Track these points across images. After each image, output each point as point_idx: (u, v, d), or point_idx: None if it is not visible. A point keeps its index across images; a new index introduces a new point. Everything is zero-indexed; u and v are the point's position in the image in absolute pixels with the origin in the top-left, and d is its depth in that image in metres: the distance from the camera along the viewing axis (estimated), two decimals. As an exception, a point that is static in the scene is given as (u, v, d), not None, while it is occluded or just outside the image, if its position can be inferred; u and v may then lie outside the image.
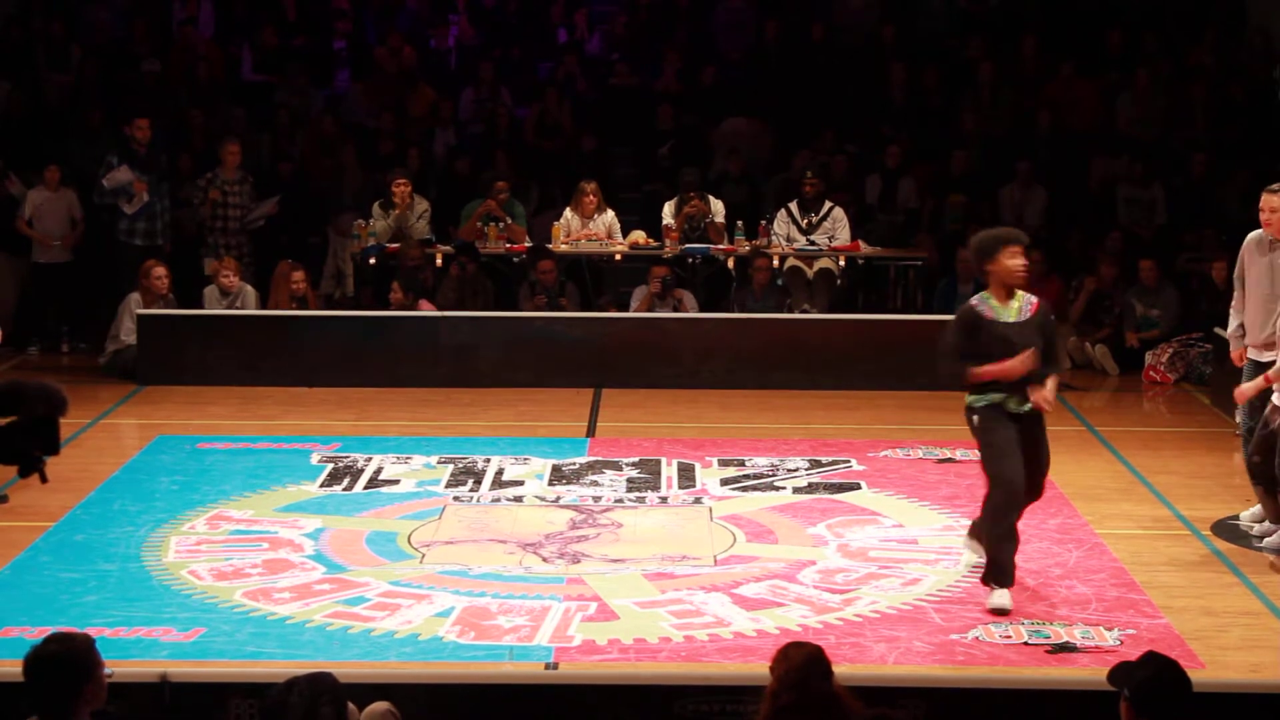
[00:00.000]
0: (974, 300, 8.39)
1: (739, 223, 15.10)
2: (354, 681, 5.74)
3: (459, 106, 17.21)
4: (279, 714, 5.30)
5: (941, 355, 8.38)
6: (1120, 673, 5.37)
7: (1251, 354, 9.58)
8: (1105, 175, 16.19)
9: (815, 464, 11.01)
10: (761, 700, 5.45)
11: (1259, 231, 9.54)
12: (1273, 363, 9.23)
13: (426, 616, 8.00)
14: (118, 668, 7.04)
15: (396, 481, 10.53)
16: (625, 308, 14.65)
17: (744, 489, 10.42)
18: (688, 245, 14.99)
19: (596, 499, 10.18)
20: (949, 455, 11.18)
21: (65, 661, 5.13)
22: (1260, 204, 9.52)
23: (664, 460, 11.07)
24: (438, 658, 7.49)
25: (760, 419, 12.47)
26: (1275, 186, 9.45)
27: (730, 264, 15.10)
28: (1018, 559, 8.45)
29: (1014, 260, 8.27)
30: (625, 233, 15.30)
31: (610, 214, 15.33)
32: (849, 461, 11.07)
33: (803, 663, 5.39)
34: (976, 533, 8.58)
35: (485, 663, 7.43)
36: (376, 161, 16.17)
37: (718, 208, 15.25)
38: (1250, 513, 9.61)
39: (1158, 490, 10.47)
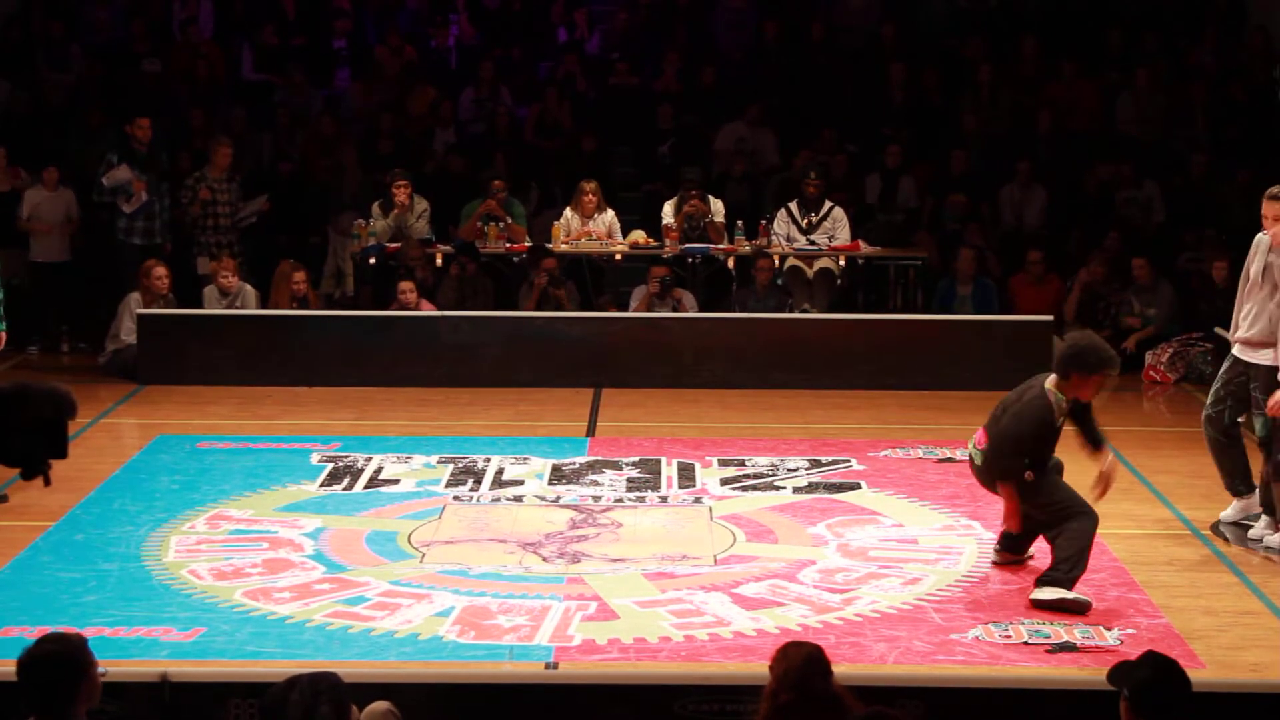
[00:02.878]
0: (1053, 402, 8.31)
1: (739, 223, 15.10)
2: (354, 681, 5.73)
3: (459, 106, 17.21)
4: (279, 711, 5.30)
5: (1011, 454, 8.35)
6: (1120, 672, 5.37)
7: (1238, 350, 9.49)
8: (1101, 176, 16.18)
9: (815, 464, 11.00)
10: (761, 700, 5.45)
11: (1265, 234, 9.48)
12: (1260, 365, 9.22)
13: (426, 616, 8.00)
14: (118, 667, 7.05)
15: (396, 481, 10.53)
16: (625, 308, 14.65)
17: (744, 489, 10.42)
18: (688, 245, 14.99)
19: (596, 499, 10.17)
20: (949, 455, 11.18)
21: (59, 661, 5.11)
22: (1263, 210, 9.44)
23: (664, 460, 11.07)
24: (438, 657, 7.49)
25: (760, 419, 12.47)
26: (1273, 191, 9.35)
27: (730, 264, 15.10)
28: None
29: (1100, 388, 8.41)
30: (625, 232, 15.30)
31: (610, 214, 15.33)
32: (849, 461, 11.07)
33: (802, 662, 5.39)
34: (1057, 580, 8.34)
35: (485, 662, 7.43)
36: (376, 161, 16.17)
37: (717, 207, 15.25)
38: (1228, 512, 9.60)
39: (1158, 490, 10.47)
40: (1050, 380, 8.36)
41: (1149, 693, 5.24)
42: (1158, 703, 5.24)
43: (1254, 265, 9.34)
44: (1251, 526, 9.42)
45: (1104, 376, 8.29)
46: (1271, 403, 8.99)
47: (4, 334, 10.78)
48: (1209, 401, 9.54)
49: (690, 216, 15.06)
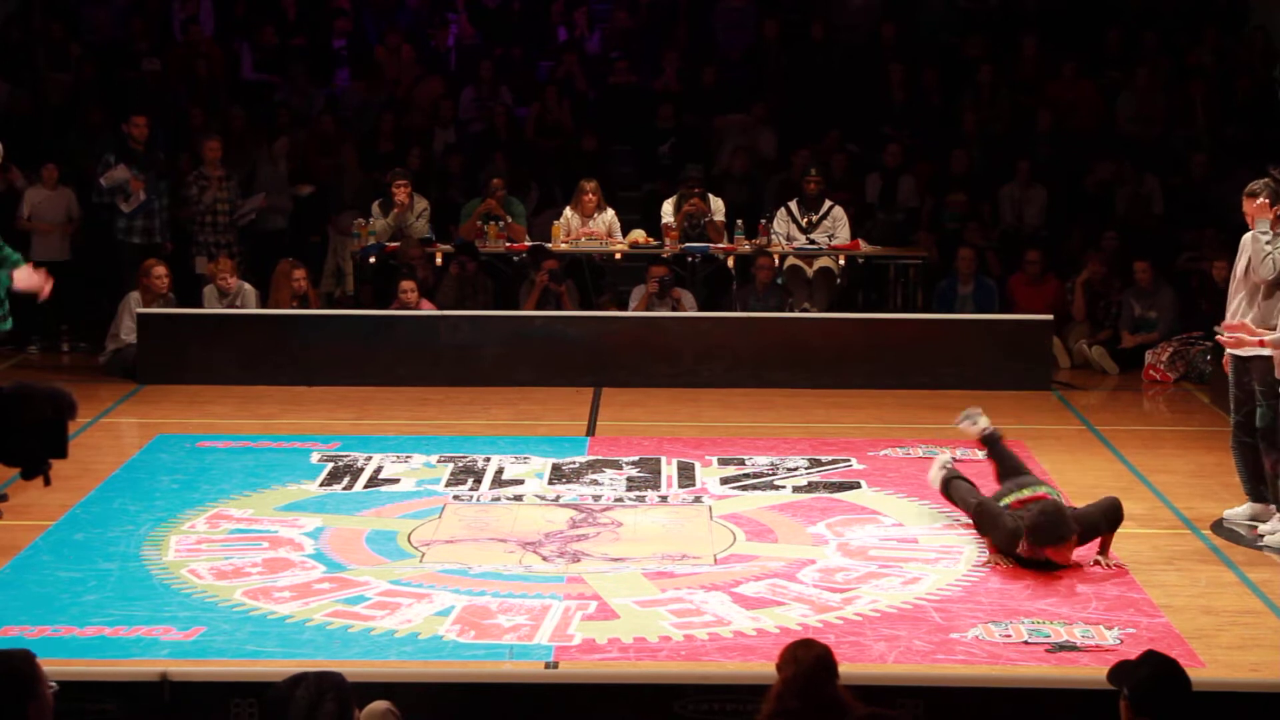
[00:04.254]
0: None
1: (739, 222, 15.10)
2: (354, 681, 5.73)
3: (459, 105, 17.22)
4: (283, 707, 5.29)
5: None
6: (1120, 672, 5.37)
7: (1233, 349, 9.56)
8: (1101, 175, 16.17)
9: (815, 463, 11.00)
10: (765, 700, 5.44)
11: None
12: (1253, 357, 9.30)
13: (426, 615, 8.00)
14: (118, 667, 7.06)
15: (396, 480, 10.52)
16: (625, 307, 14.64)
17: (744, 488, 10.42)
18: (688, 245, 14.98)
19: (596, 498, 10.17)
20: (949, 455, 11.16)
21: (4, 681, 4.82)
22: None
23: (664, 459, 11.07)
24: (438, 657, 7.49)
25: (760, 418, 12.47)
26: (1251, 190, 9.46)
27: (730, 263, 15.09)
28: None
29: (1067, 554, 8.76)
30: (625, 232, 15.30)
31: (610, 213, 15.33)
32: (849, 460, 11.06)
33: (811, 666, 5.38)
34: None
35: (485, 662, 7.43)
36: (376, 161, 16.17)
37: (718, 206, 15.25)
38: (1238, 511, 9.62)
39: (1158, 490, 10.46)
40: None
41: (1149, 692, 5.24)
42: (1158, 703, 5.23)
43: (1240, 264, 9.46)
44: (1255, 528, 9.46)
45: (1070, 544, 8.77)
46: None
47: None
48: (1232, 409, 9.60)
49: (690, 216, 15.06)
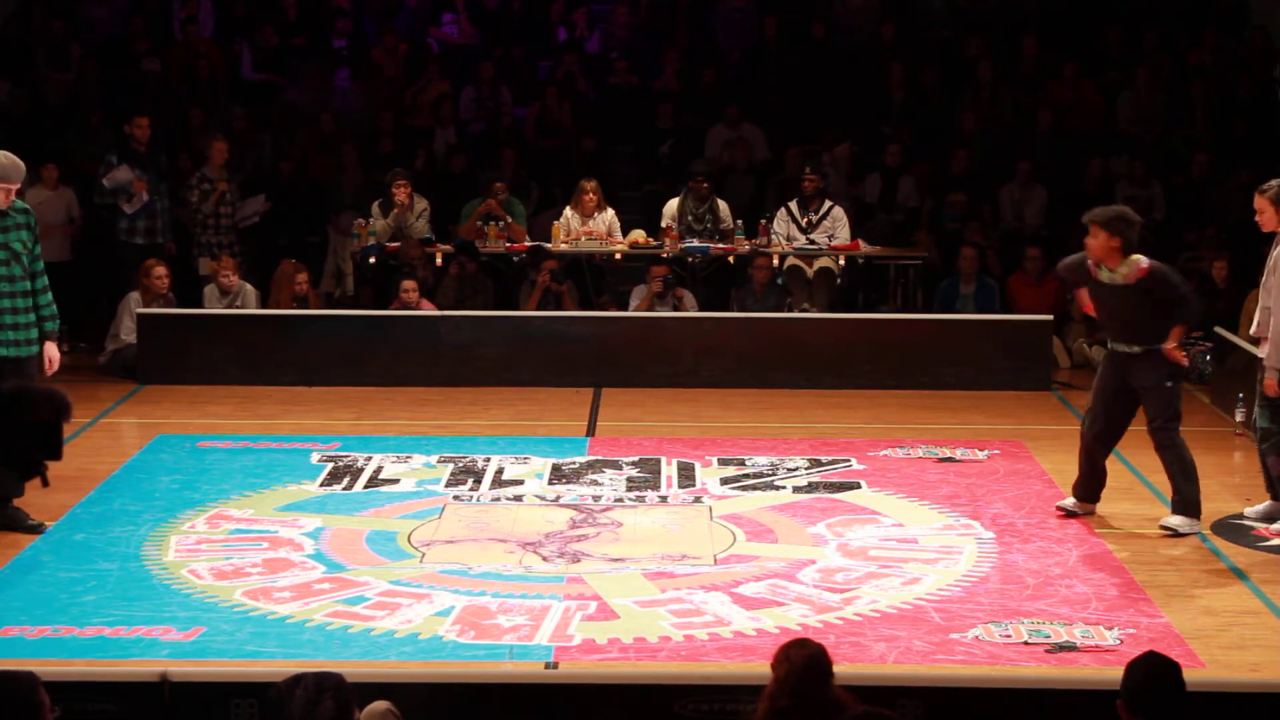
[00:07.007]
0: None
1: (739, 222, 15.10)
2: (354, 681, 5.73)
3: (459, 105, 17.21)
4: (283, 706, 5.29)
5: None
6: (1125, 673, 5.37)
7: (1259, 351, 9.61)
8: (1104, 174, 16.18)
9: (815, 463, 11.00)
10: (760, 699, 5.44)
11: None
12: None
13: (426, 616, 8.01)
14: (118, 667, 7.06)
15: (396, 481, 10.52)
16: (625, 307, 14.64)
17: (744, 488, 10.42)
18: (688, 245, 14.98)
19: (596, 498, 10.18)
20: (949, 454, 11.18)
21: (6, 704, 4.81)
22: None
23: (664, 459, 11.07)
24: (438, 657, 7.50)
25: (760, 418, 12.47)
26: (1263, 187, 9.47)
27: (732, 261, 15.09)
28: (1019, 558, 8.94)
29: (1089, 239, 9.47)
30: (625, 231, 15.30)
31: (610, 213, 15.33)
32: (849, 461, 11.06)
33: (804, 666, 5.38)
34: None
35: (485, 662, 7.43)
36: (376, 161, 16.17)
37: (724, 209, 15.26)
38: (1257, 509, 9.63)
39: (1158, 490, 10.45)
40: None
41: (1142, 693, 5.23)
42: (1152, 703, 5.23)
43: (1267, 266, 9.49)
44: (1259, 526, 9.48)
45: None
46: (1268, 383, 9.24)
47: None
48: (1257, 409, 9.63)
49: (696, 202, 15.05)
